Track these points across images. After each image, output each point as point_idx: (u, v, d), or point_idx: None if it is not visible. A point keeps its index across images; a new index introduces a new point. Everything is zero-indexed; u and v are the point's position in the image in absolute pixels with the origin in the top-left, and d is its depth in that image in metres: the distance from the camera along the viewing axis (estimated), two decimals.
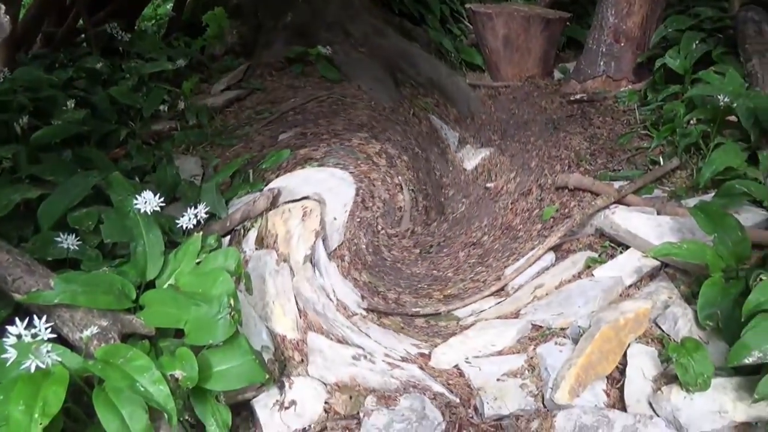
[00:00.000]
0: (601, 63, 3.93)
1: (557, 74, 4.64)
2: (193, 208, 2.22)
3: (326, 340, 2.22)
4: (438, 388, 2.06)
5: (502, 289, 2.68)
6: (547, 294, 2.52)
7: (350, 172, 2.96)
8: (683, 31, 3.52)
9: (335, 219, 2.68)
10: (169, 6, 6.46)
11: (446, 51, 4.70)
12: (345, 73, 4.06)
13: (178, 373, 1.65)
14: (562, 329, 2.26)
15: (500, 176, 3.60)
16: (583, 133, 3.57)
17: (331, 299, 2.45)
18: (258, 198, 2.53)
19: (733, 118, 2.86)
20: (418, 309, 2.60)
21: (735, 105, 2.80)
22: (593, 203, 2.79)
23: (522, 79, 4.50)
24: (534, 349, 2.18)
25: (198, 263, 2.06)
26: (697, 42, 3.42)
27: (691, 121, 3.03)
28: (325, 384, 2.09)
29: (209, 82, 4.26)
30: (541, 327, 2.31)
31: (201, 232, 2.12)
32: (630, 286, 2.41)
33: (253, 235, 2.54)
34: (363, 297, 2.56)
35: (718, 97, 2.79)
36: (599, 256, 2.62)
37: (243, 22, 4.81)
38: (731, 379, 1.83)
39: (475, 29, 4.64)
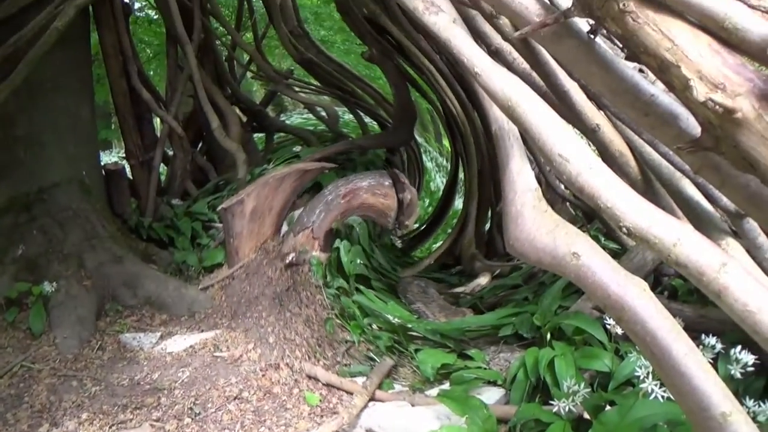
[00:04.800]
0: (317, 211, 3.90)
1: (284, 227, 4.37)
2: None
3: None
4: None
5: None
6: None
7: None
8: None
9: None
10: None
11: (188, 266, 4.79)
12: (52, 320, 3.87)
13: None
14: None
15: (235, 347, 3.52)
16: (300, 314, 3.58)
17: None
18: None
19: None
20: None
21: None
22: (353, 402, 2.79)
23: (256, 248, 4.24)
24: None
25: None
26: None
27: (373, 326, 3.18)
28: None
29: None
30: None
31: None
32: None
33: None
34: None
35: None
36: None
37: None
38: None
39: (224, 227, 4.44)
